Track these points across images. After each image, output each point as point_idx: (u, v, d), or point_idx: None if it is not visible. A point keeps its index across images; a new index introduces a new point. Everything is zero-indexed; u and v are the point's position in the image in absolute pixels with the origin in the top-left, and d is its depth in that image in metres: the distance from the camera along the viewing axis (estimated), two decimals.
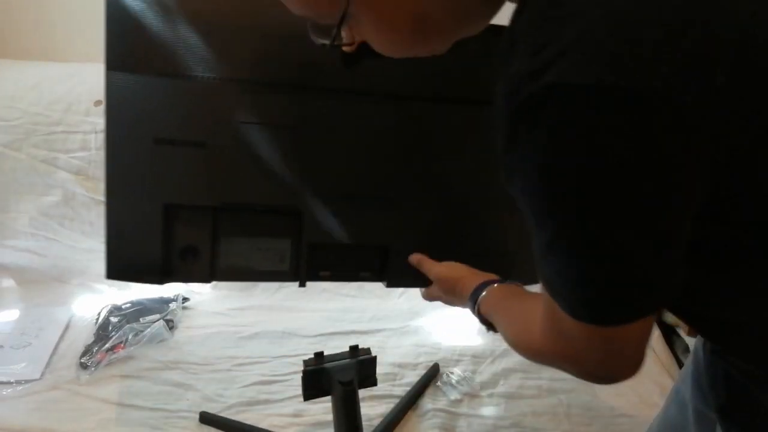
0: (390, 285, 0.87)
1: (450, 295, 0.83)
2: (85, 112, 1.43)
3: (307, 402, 0.90)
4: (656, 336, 1.32)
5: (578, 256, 0.43)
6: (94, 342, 1.21)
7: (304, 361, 0.88)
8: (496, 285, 0.76)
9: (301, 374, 0.87)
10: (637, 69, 0.36)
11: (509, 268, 0.85)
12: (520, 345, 0.62)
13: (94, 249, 1.44)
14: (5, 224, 1.43)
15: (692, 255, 0.44)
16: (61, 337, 1.25)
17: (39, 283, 1.40)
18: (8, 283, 1.40)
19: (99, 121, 1.42)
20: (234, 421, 1.05)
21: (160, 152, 0.75)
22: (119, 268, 0.82)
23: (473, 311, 0.76)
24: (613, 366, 0.49)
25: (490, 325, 0.74)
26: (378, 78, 0.79)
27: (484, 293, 0.75)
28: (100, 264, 1.42)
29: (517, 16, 0.43)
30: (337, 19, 0.48)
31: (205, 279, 0.82)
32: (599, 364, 0.49)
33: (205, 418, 1.05)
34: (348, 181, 0.83)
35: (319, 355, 0.88)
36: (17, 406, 1.06)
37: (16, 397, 1.08)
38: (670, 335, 1.33)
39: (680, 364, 1.27)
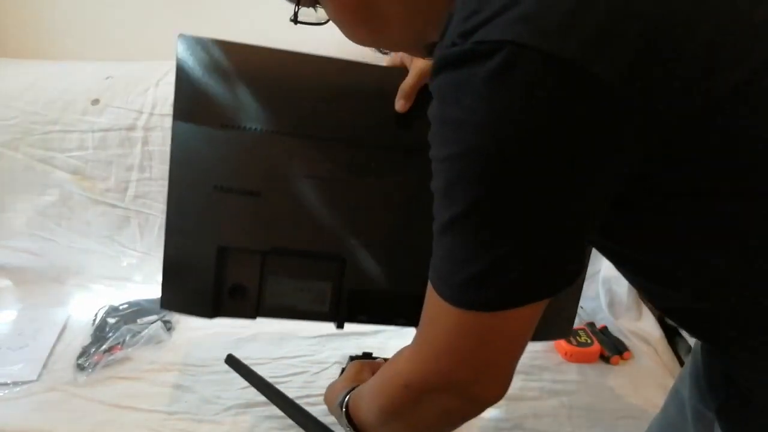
0: None
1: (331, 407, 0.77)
2: (82, 111, 1.42)
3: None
4: (658, 337, 1.31)
5: (478, 229, 0.42)
6: (91, 343, 1.20)
7: (351, 357, 0.92)
8: (363, 385, 0.70)
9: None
10: (551, 34, 0.38)
11: None
12: (382, 399, 0.59)
13: (91, 249, 1.43)
14: (2, 224, 1.42)
15: (662, 234, 0.45)
16: (58, 338, 1.24)
17: (36, 283, 1.39)
18: (5, 283, 1.39)
19: (96, 120, 1.41)
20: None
21: (217, 198, 0.83)
22: (172, 300, 0.89)
23: (343, 421, 0.69)
24: (483, 375, 0.47)
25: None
26: (424, 134, 0.84)
27: (353, 393, 0.70)
28: (97, 264, 1.43)
29: None
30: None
31: (251, 316, 0.88)
32: (471, 372, 0.47)
33: (232, 360, 1.02)
34: (391, 231, 0.87)
35: (367, 356, 0.92)
36: (14, 407, 1.05)
37: (12, 398, 1.07)
38: (672, 337, 1.32)
39: (683, 366, 1.26)
